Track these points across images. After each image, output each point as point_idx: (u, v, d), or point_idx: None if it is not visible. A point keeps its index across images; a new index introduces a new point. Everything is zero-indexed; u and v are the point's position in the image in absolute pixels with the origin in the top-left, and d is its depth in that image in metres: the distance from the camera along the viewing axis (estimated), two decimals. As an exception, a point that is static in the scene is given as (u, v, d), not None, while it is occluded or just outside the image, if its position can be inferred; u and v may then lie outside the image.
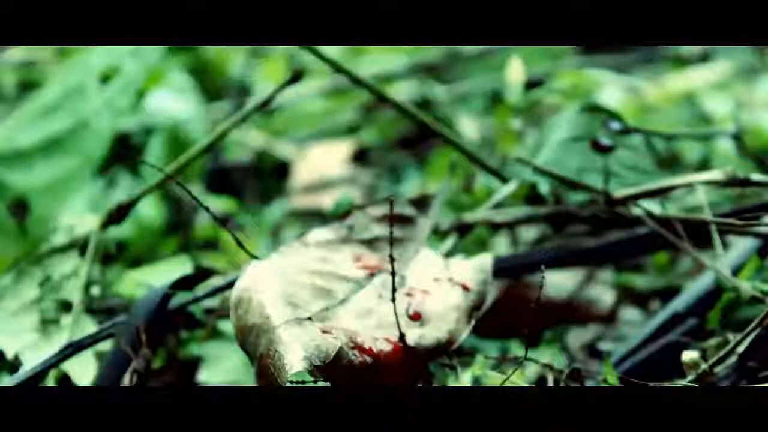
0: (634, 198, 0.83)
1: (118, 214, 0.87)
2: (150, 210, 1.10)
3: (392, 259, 0.71)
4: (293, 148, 1.34)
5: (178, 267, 0.87)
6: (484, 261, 0.78)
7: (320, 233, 0.79)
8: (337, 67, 0.89)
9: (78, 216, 0.89)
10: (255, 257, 0.75)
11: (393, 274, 0.71)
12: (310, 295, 0.74)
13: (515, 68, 0.92)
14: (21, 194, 0.99)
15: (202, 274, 0.81)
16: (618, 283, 1.01)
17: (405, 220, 0.82)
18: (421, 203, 0.83)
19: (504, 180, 0.90)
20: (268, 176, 1.33)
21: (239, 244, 0.76)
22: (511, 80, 0.92)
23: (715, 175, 0.82)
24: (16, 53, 1.39)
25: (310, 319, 0.71)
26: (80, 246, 0.85)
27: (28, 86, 1.36)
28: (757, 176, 0.81)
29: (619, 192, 0.84)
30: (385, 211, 0.79)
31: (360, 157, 1.36)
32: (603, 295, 0.99)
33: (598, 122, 0.88)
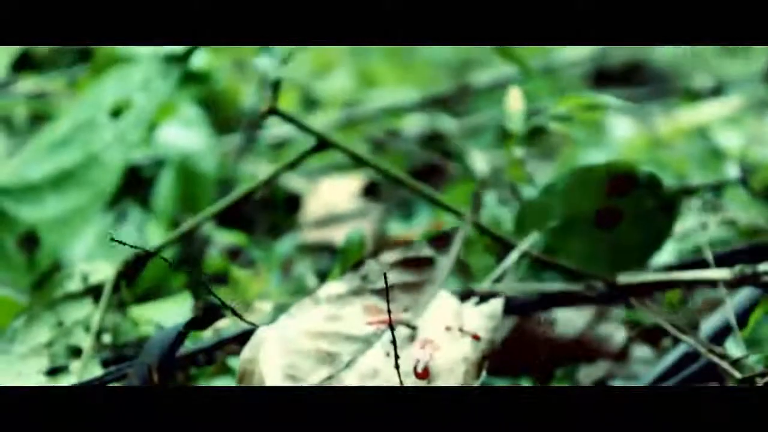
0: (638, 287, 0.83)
1: (136, 265, 0.86)
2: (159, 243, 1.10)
3: (391, 326, 0.69)
4: (304, 182, 1.34)
5: (187, 305, 0.86)
6: (495, 307, 0.76)
7: (333, 287, 0.77)
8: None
9: (93, 262, 0.88)
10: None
11: (394, 341, 0.69)
12: (313, 363, 0.72)
13: (514, 97, 0.92)
14: (31, 227, 0.99)
15: (212, 313, 0.81)
16: (629, 320, 1.01)
17: (422, 263, 0.80)
18: (440, 242, 0.81)
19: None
20: (279, 209, 1.33)
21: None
22: (511, 109, 0.91)
23: (721, 273, 0.82)
24: (28, 85, 1.39)
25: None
26: (94, 293, 0.85)
27: (38, 118, 1.36)
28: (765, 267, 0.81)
29: (623, 278, 0.84)
30: (400, 256, 0.78)
31: (370, 190, 1.35)
32: (614, 332, 0.98)
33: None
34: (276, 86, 0.86)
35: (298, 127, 0.88)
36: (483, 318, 0.75)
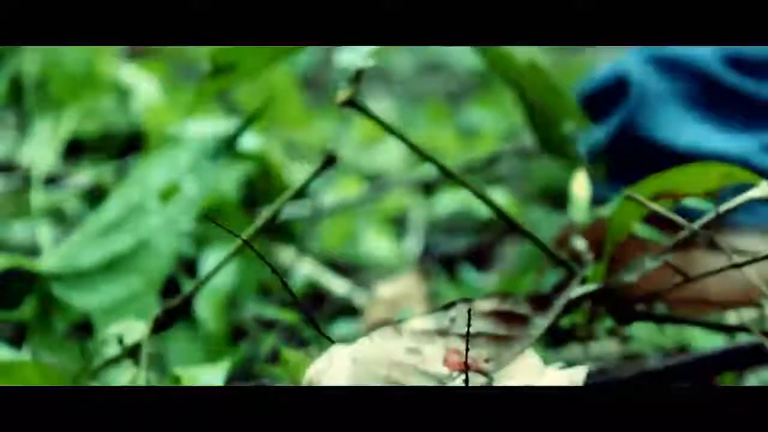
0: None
1: (167, 318, 0.85)
2: (207, 314, 1.09)
3: (467, 372, 0.68)
4: (347, 285, 1.31)
5: (226, 366, 0.85)
6: (579, 375, 0.75)
7: (419, 322, 0.76)
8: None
9: (125, 324, 0.88)
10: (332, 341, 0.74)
11: (467, 387, 0.69)
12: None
13: (579, 183, 0.88)
14: (83, 314, 0.99)
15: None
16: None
17: (516, 319, 0.78)
18: (539, 302, 0.79)
19: (573, 273, 0.87)
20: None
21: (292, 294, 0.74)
22: (575, 196, 0.88)
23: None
24: (78, 176, 1.40)
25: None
26: (133, 355, 0.84)
27: (90, 205, 1.37)
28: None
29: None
30: (495, 307, 0.77)
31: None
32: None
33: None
34: (358, 77, 0.85)
35: (374, 120, 0.87)
36: (564, 382, 0.74)
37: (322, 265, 1.33)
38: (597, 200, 1.08)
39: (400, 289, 1.22)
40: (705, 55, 1.12)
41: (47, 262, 1.00)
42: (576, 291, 0.80)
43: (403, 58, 2.53)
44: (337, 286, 1.28)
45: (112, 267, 0.97)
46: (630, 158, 1.12)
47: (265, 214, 0.87)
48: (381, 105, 2.00)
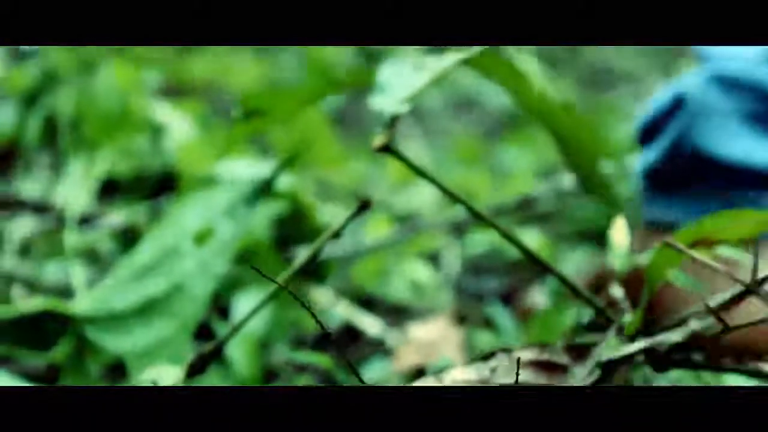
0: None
1: (201, 363, 0.85)
2: (240, 357, 1.08)
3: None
4: (380, 325, 1.31)
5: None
6: None
7: (459, 371, 0.76)
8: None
9: (160, 368, 0.87)
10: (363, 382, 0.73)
11: None
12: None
13: (619, 229, 0.87)
14: (117, 357, 0.99)
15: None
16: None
17: (556, 368, 0.78)
18: (577, 352, 0.79)
19: (609, 320, 0.86)
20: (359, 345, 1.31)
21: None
22: (614, 243, 0.86)
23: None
24: (113, 216, 1.41)
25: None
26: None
27: (123, 245, 1.37)
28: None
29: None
30: (534, 356, 0.76)
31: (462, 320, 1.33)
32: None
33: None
34: (393, 122, 0.85)
35: (409, 166, 0.87)
36: None
37: (356, 305, 1.33)
38: (650, 217, 1.10)
39: (433, 332, 1.22)
40: (763, 73, 1.13)
41: (81, 305, 1.00)
42: (622, 350, 0.79)
43: (434, 96, 2.53)
44: (371, 325, 1.28)
45: (145, 310, 0.97)
46: (683, 171, 1.12)
47: (300, 258, 0.87)
48: (414, 144, 2.00)
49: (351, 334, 1.29)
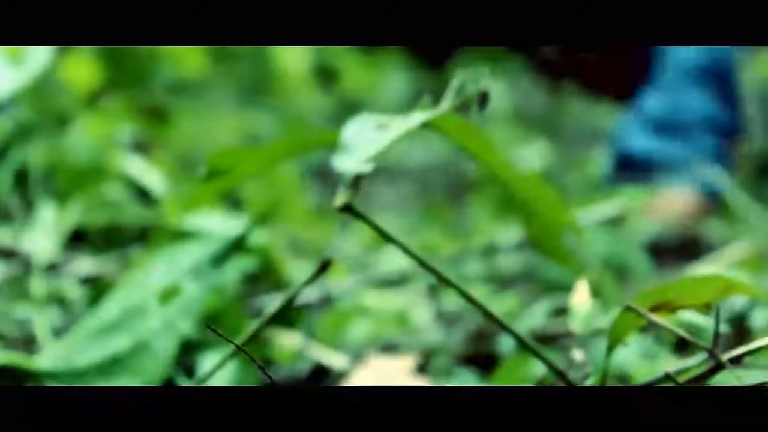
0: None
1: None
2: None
3: None
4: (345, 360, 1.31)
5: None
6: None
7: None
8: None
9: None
10: None
11: None
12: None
13: (581, 292, 0.87)
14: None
15: None
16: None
17: None
18: None
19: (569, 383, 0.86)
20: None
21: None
22: (575, 306, 0.86)
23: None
24: (82, 264, 1.40)
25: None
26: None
27: (91, 294, 1.37)
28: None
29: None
30: None
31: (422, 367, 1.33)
32: None
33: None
34: (356, 182, 0.85)
35: (372, 227, 0.87)
36: None
37: (326, 347, 1.33)
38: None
39: (392, 363, 1.23)
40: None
41: (43, 360, 1.00)
42: None
43: (412, 153, 2.54)
44: (337, 361, 1.28)
45: (108, 368, 0.97)
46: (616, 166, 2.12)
47: (261, 318, 0.87)
48: (384, 198, 2.00)
49: (319, 372, 1.29)
